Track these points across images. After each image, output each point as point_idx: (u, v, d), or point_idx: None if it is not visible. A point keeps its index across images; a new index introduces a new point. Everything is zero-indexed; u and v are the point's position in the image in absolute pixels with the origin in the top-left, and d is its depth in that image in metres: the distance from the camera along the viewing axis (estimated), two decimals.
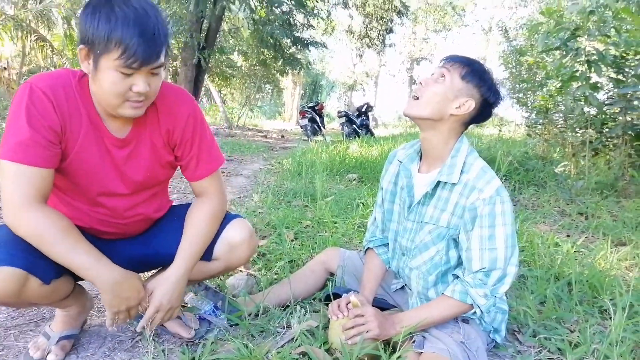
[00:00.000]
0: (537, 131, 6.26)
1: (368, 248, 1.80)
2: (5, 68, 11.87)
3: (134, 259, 1.49)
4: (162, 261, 1.54)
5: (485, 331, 1.56)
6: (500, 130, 10.32)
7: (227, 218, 1.54)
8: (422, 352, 1.41)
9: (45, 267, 1.22)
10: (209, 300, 1.77)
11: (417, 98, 1.47)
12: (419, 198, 1.54)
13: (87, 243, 1.23)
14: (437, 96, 1.44)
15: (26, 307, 1.41)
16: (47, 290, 1.25)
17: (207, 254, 1.49)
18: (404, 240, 1.61)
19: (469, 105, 1.43)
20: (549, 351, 1.61)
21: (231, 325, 1.68)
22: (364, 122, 12.82)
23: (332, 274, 1.95)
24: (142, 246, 1.52)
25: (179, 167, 1.50)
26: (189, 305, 1.75)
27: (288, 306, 1.80)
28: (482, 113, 1.49)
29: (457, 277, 1.46)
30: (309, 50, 12.73)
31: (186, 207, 1.53)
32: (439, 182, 1.49)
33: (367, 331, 1.38)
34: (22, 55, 11.67)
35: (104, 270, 1.22)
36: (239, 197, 4.08)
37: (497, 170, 4.55)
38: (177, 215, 1.54)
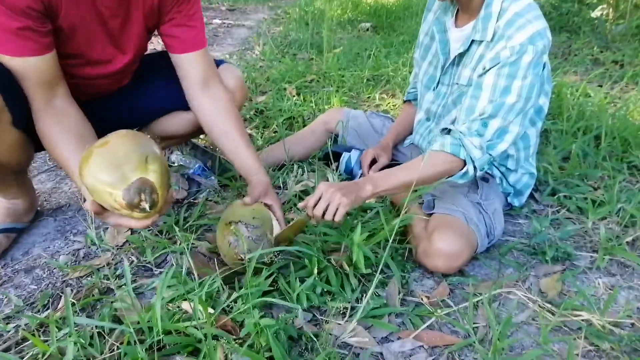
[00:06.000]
0: None
1: (406, 100, 1.68)
2: None
3: (109, 121, 1.28)
4: (138, 119, 1.41)
5: (504, 192, 1.41)
6: None
7: (215, 63, 1.34)
8: (431, 214, 1.28)
9: (18, 106, 1.03)
10: (197, 159, 1.63)
11: None
12: (452, 58, 1.28)
13: None
14: None
15: None
16: (12, 137, 1.06)
17: None
18: (434, 106, 1.39)
19: None
20: (568, 210, 1.47)
21: (222, 186, 1.56)
22: None
23: (336, 136, 1.78)
24: (116, 105, 1.34)
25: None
26: (175, 165, 1.62)
27: (285, 165, 1.66)
28: None
29: (448, 130, 1.24)
30: None
31: (158, 54, 1.33)
32: (473, 40, 1.21)
33: (337, 206, 1.08)
34: None
35: None
36: (240, 49, 3.76)
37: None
38: (146, 64, 1.35)
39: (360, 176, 1.61)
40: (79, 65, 1.14)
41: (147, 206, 0.85)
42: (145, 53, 1.39)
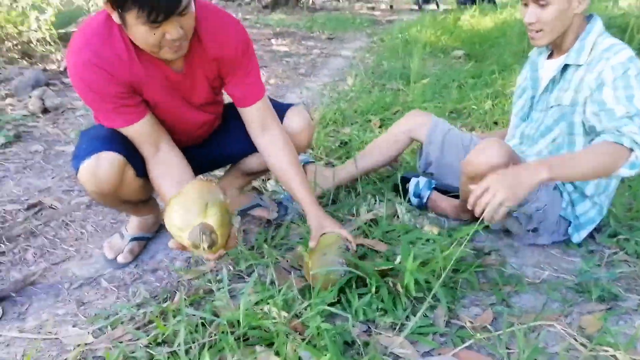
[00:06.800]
0: None
1: None
2: None
3: (204, 162, 1.63)
4: (227, 160, 1.73)
5: (565, 219, 1.51)
6: None
7: (284, 106, 1.58)
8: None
9: (138, 162, 1.35)
10: None
11: (539, 31, 1.40)
12: (545, 85, 1.50)
13: None
14: (557, 18, 1.36)
15: (114, 204, 1.45)
16: (137, 184, 1.38)
17: None
18: (527, 129, 1.58)
19: None
20: (626, 253, 1.52)
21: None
22: None
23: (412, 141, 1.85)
24: (208, 150, 1.62)
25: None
26: (269, 191, 1.92)
27: (359, 194, 1.89)
28: None
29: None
30: None
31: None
32: (566, 65, 1.43)
33: (499, 203, 1.16)
34: None
35: None
36: (334, 80, 4.07)
37: (629, 43, 3.91)
38: (231, 114, 1.58)
39: (427, 199, 1.77)
40: (171, 125, 1.41)
41: (205, 246, 1.12)
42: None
